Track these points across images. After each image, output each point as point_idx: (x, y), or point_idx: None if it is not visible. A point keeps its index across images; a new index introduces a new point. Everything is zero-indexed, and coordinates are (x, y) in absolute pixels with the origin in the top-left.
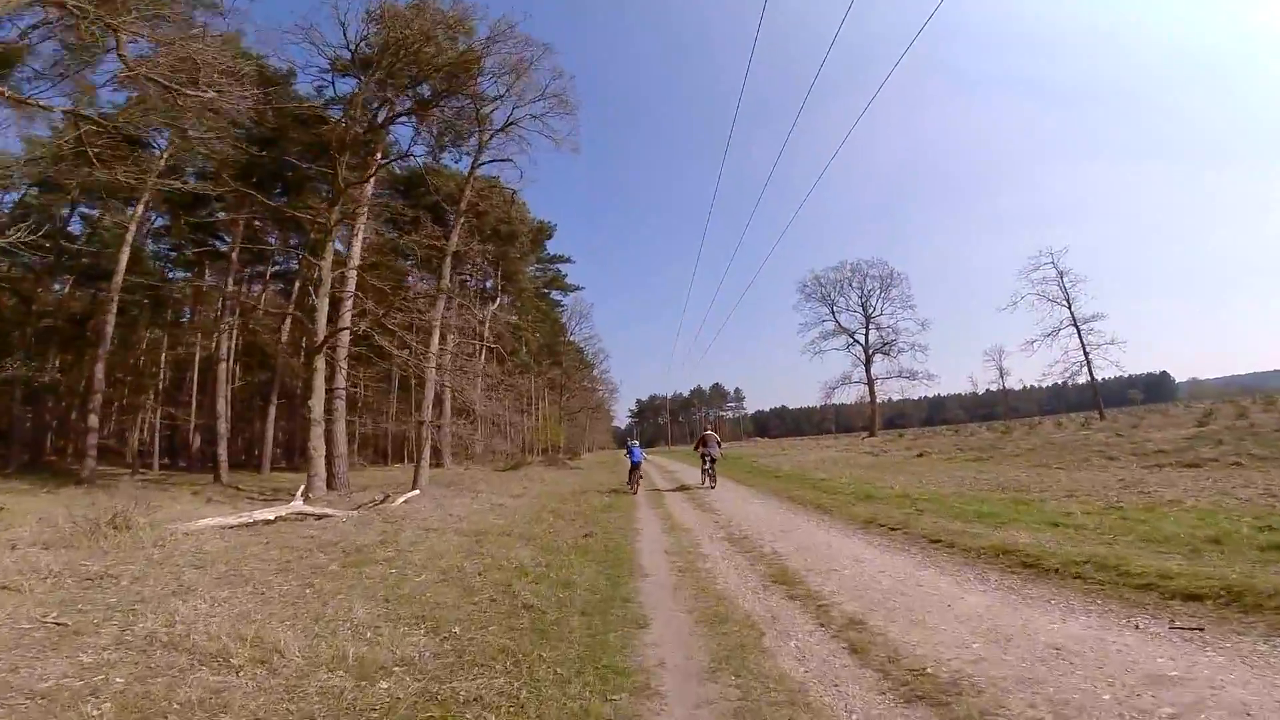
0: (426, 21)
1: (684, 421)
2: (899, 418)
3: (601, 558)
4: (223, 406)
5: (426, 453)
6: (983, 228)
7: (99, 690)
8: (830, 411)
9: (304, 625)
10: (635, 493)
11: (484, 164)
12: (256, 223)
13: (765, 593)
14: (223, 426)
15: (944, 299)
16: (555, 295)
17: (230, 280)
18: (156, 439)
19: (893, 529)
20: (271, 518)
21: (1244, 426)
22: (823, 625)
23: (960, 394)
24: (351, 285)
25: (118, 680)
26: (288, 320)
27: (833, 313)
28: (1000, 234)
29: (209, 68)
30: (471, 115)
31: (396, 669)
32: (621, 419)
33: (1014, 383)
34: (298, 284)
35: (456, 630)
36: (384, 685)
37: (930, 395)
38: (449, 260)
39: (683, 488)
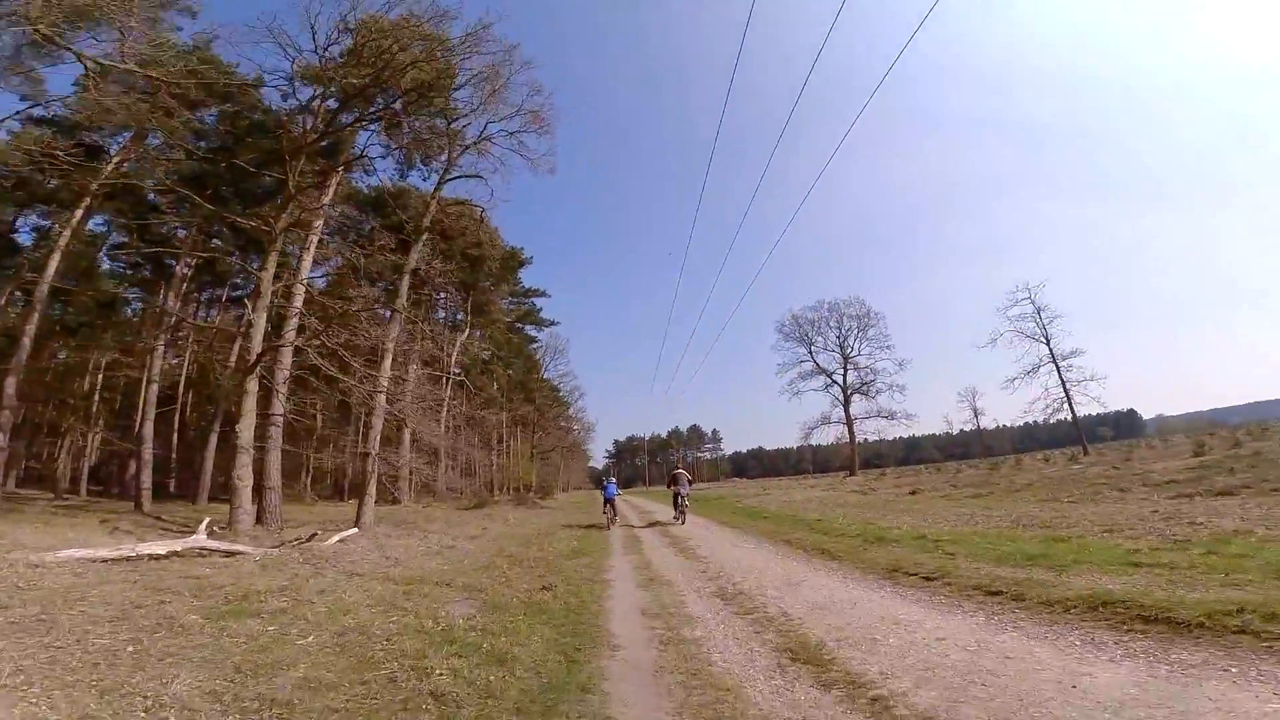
0: (405, 35)
1: (662, 462)
2: (876, 458)
3: (559, 619)
4: (149, 430)
5: (372, 488)
6: (946, 262)
7: None
8: (808, 452)
9: (75, 702)
10: (610, 527)
11: (453, 179)
12: (215, 242)
13: (784, 676)
14: (147, 453)
15: (916, 337)
16: (530, 330)
17: (170, 297)
18: (86, 463)
19: (927, 578)
20: (163, 552)
21: (1247, 455)
22: None
23: (935, 434)
24: (299, 301)
25: None
26: (237, 343)
27: (810, 353)
28: (964, 267)
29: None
30: (443, 130)
31: None
32: (599, 459)
33: (987, 422)
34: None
35: None
36: None
37: (906, 435)
38: (406, 278)
39: (656, 523)
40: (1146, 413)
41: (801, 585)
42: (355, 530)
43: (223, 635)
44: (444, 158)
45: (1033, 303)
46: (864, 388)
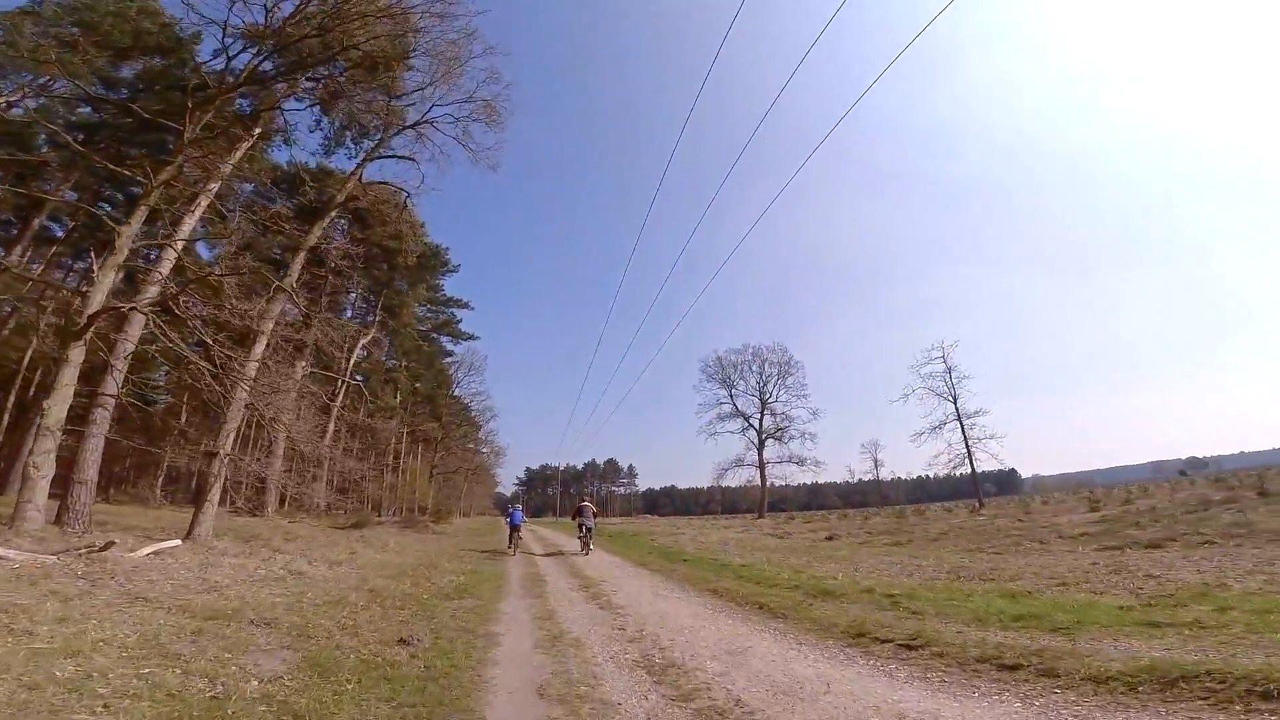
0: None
1: (575, 494)
2: (781, 501)
3: (409, 696)
4: None
5: (215, 494)
6: (874, 320)
7: None
8: (718, 493)
9: None
10: (514, 554)
11: (382, 157)
12: (105, 207)
13: None
14: None
15: (828, 386)
16: (446, 342)
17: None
18: None
19: (906, 646)
20: None
21: (1145, 510)
22: None
23: (835, 481)
24: (166, 266)
25: None
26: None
27: (731, 395)
28: (888, 328)
29: None
30: (382, 106)
31: None
32: (507, 485)
33: (885, 473)
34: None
35: None
36: None
37: (809, 482)
38: (302, 255)
39: (561, 552)
40: (1024, 472)
41: (748, 654)
42: (177, 542)
43: None
44: (378, 137)
45: (945, 361)
46: (778, 433)
